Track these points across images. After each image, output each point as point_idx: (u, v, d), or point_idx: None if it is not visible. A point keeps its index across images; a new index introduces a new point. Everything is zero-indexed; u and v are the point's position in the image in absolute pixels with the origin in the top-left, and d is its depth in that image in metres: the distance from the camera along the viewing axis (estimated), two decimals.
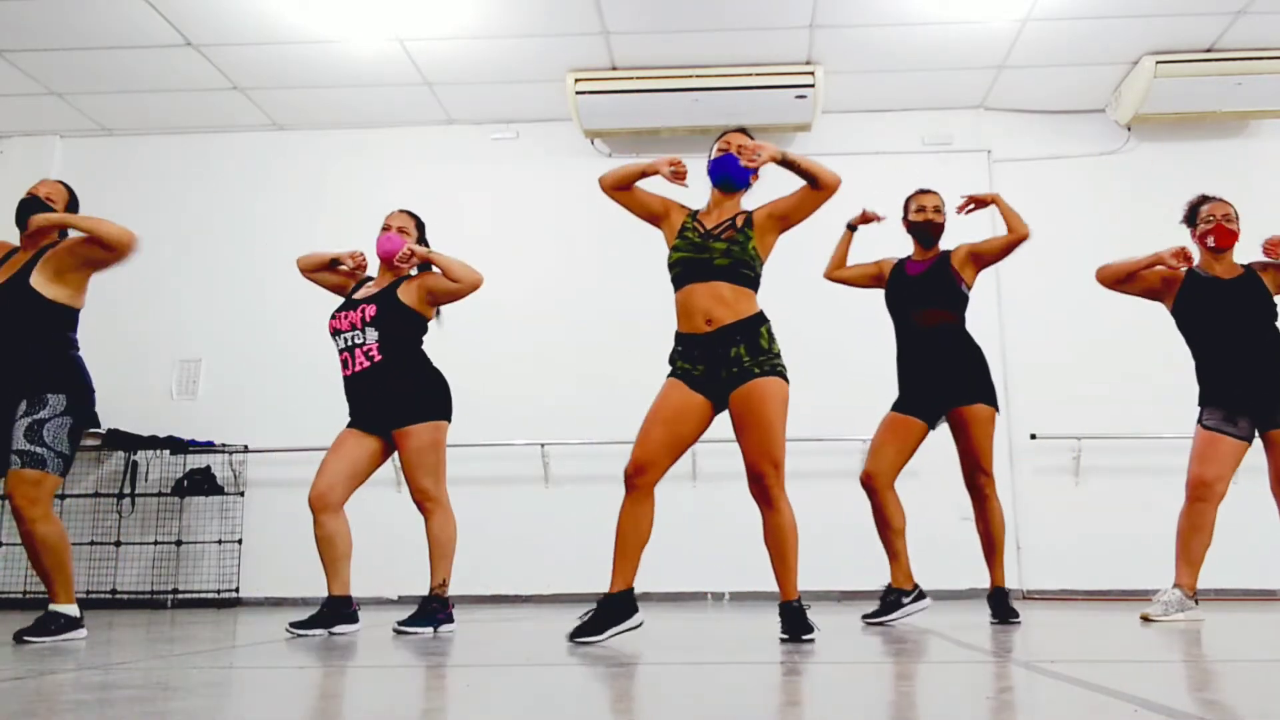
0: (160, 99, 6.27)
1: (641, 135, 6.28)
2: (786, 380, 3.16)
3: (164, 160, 6.70)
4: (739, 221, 3.21)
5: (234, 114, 6.47)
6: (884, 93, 6.25)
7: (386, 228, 3.86)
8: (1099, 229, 6.20)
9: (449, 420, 3.78)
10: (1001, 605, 3.87)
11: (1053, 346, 6.08)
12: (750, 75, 5.80)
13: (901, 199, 6.43)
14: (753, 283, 3.20)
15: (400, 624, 3.61)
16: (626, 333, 6.02)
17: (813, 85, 5.79)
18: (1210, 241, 4.03)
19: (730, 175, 3.23)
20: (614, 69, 5.93)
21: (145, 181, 6.67)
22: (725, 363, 3.11)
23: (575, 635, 2.99)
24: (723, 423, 6.31)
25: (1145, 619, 3.84)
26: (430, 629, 3.61)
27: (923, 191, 4.18)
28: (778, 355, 3.16)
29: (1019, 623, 3.76)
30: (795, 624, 3.06)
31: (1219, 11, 5.36)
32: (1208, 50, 5.73)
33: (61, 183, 3.79)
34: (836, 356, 5.81)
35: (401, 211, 3.94)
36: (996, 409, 4.00)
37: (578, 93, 5.88)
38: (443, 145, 6.61)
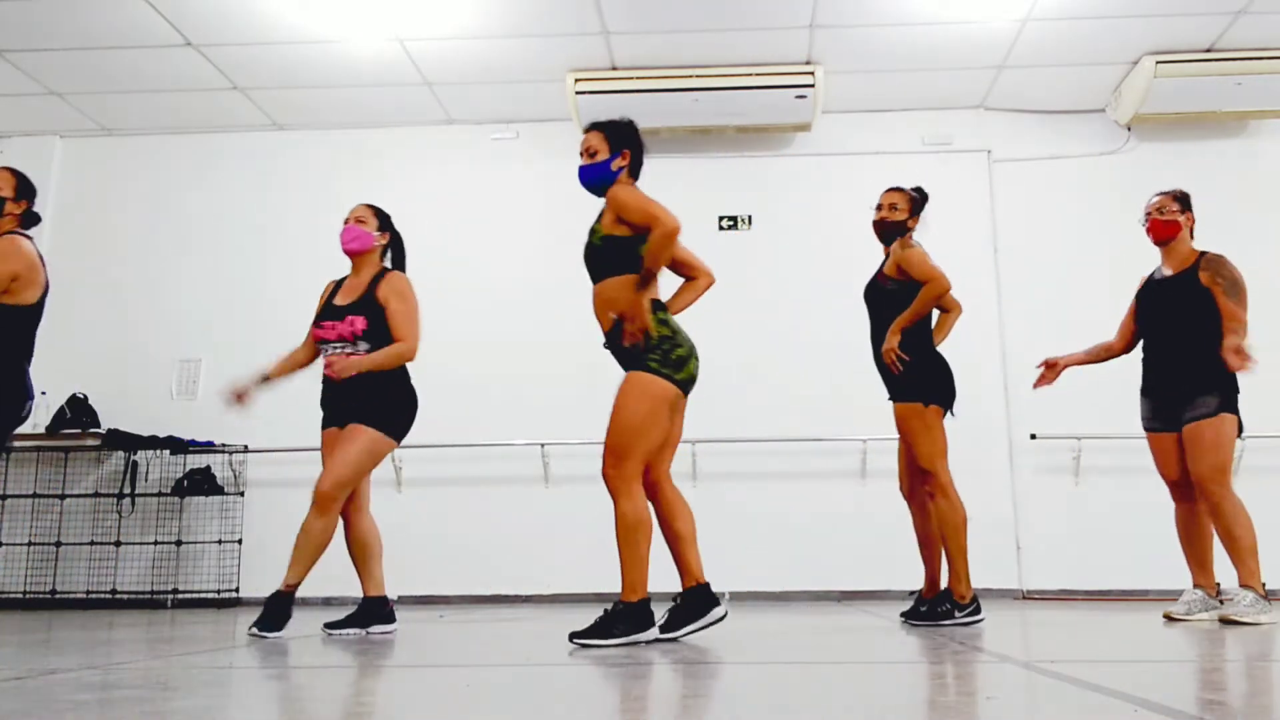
0: (160, 99, 6.27)
1: (641, 135, 6.27)
2: (656, 372, 3.07)
3: (164, 160, 6.70)
4: (601, 213, 3.23)
5: (234, 114, 6.47)
6: (884, 93, 6.24)
7: (347, 220, 3.80)
8: (1099, 229, 6.21)
9: (398, 443, 3.68)
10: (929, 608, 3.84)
11: (1053, 346, 6.06)
12: (750, 75, 5.80)
13: None
14: (622, 265, 3.13)
15: (329, 625, 3.64)
16: None
17: (813, 85, 5.79)
18: (1150, 238, 4.12)
19: (584, 184, 3.28)
20: (614, 69, 5.93)
21: (145, 181, 6.67)
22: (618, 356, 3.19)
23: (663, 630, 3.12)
24: (721, 424, 6.29)
25: (1168, 617, 3.91)
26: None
27: (885, 190, 4.09)
28: (655, 347, 3.08)
29: (948, 625, 3.73)
30: (601, 624, 2.99)
31: (1219, 11, 5.36)
32: (1208, 50, 5.73)
33: (9, 170, 3.63)
34: (836, 357, 5.81)
35: (363, 205, 3.86)
36: (927, 403, 3.80)
37: (578, 93, 5.88)
38: (443, 145, 6.60)
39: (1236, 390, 3.90)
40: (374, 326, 3.62)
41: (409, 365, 3.73)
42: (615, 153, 3.26)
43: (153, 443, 5.96)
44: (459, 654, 2.93)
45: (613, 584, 3.09)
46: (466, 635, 3.61)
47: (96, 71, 5.90)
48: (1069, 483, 5.91)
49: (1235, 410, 3.87)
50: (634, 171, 3.30)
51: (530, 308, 6.24)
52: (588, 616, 3.20)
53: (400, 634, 3.61)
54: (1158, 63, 5.68)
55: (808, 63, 5.84)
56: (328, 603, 5.73)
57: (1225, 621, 3.66)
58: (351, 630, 3.59)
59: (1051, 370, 4.25)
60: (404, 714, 1.83)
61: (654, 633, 3.07)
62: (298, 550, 3.55)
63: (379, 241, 3.80)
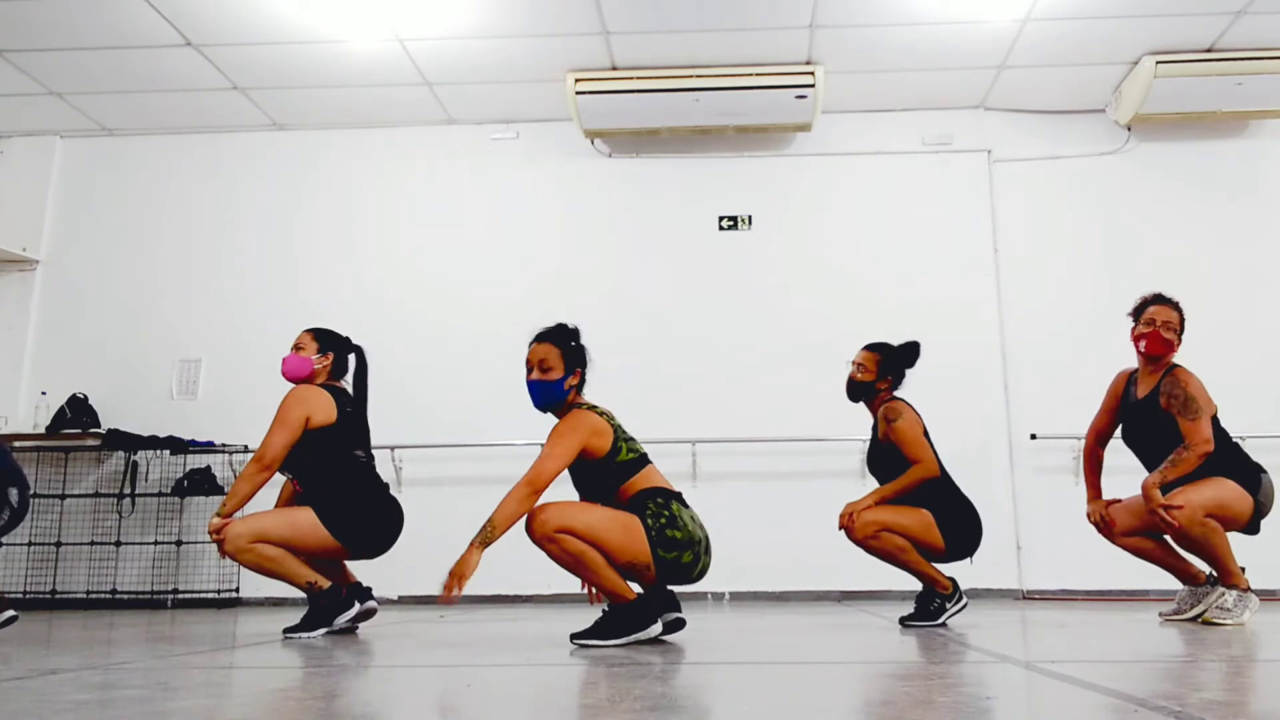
0: (160, 99, 6.27)
1: (641, 135, 6.28)
2: (647, 528, 3.08)
3: (164, 160, 6.70)
4: None
5: (234, 114, 6.47)
6: (884, 93, 6.24)
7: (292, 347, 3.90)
8: (1099, 229, 6.21)
9: (340, 544, 3.68)
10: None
11: (1053, 346, 6.09)
12: (750, 75, 5.80)
13: (902, 199, 6.44)
14: (594, 494, 3.25)
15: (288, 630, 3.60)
16: (627, 332, 6.03)
17: (813, 85, 5.79)
18: (1142, 346, 3.94)
19: (536, 403, 3.32)
20: (614, 69, 5.93)
21: (145, 182, 6.68)
22: None
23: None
24: (721, 424, 6.28)
25: (1163, 617, 4.03)
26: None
27: (864, 346, 4.09)
28: (655, 514, 3.11)
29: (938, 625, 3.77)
30: (602, 625, 3.09)
31: (1219, 11, 5.36)
32: (1208, 50, 5.73)
33: None
34: (836, 357, 5.80)
35: (305, 331, 3.94)
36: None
37: (578, 93, 5.88)
38: (443, 145, 6.61)
39: (1255, 478, 3.77)
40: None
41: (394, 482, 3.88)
42: (569, 372, 3.24)
43: (153, 443, 5.96)
44: (459, 654, 2.93)
45: None
46: (466, 635, 3.61)
47: (96, 71, 5.90)
48: (1069, 483, 5.91)
49: (1250, 490, 3.73)
50: (580, 389, 3.32)
51: (530, 307, 6.22)
52: (588, 617, 3.21)
53: (401, 634, 3.61)
54: (1158, 63, 5.68)
55: (808, 63, 5.84)
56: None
57: (1206, 623, 3.67)
58: (312, 633, 3.59)
59: (1104, 517, 4.10)
60: (405, 714, 1.83)
61: (658, 628, 3.07)
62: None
63: (319, 365, 3.86)
